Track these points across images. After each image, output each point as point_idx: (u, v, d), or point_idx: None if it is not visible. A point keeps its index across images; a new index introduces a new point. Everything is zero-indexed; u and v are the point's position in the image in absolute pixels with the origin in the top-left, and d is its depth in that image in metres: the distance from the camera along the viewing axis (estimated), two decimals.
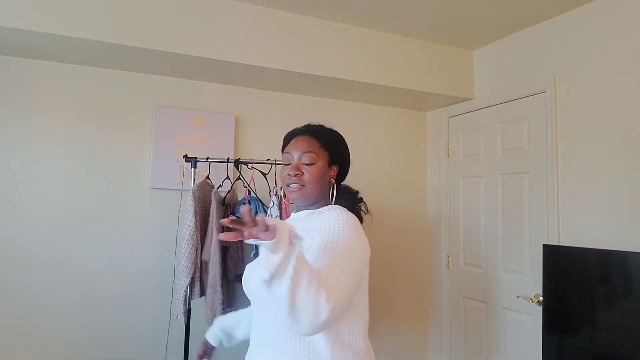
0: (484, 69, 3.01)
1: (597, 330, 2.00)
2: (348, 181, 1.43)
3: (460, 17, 2.58)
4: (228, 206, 2.51)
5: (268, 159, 2.54)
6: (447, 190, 3.24)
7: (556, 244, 2.39)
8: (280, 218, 2.34)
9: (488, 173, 2.92)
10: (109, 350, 2.44)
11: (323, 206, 1.33)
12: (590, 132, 2.31)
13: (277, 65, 2.50)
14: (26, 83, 2.37)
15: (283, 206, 2.43)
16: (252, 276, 1.29)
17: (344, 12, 2.55)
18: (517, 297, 2.59)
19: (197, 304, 2.46)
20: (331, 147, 1.36)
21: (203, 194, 2.40)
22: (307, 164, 1.30)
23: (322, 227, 1.19)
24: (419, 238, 3.38)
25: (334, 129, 1.42)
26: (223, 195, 2.50)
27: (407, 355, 3.28)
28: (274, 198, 2.46)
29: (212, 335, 1.57)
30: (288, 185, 1.31)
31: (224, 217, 2.45)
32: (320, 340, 1.18)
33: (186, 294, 2.28)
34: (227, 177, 2.52)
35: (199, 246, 2.32)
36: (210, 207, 2.36)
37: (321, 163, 1.32)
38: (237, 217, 2.42)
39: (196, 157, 2.50)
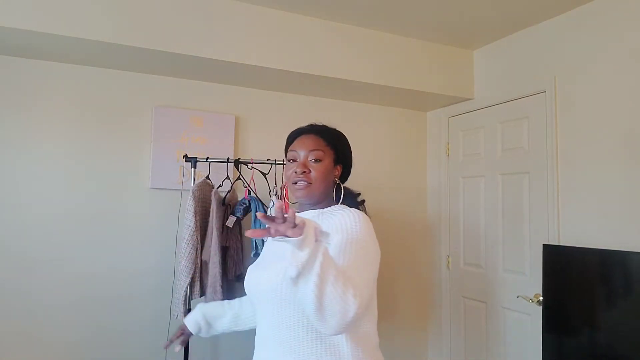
0: (484, 69, 3.01)
1: (597, 330, 2.00)
2: (348, 180, 1.43)
3: (460, 17, 2.57)
4: (228, 206, 2.51)
5: (268, 159, 2.54)
6: (447, 190, 3.24)
7: (556, 244, 2.39)
8: None
9: (488, 173, 2.92)
10: (109, 350, 2.44)
11: (328, 206, 1.33)
12: (590, 132, 2.31)
13: (277, 65, 2.50)
14: (26, 83, 2.37)
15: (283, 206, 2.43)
16: (264, 276, 1.25)
17: (344, 12, 2.55)
18: (517, 297, 2.59)
19: (197, 304, 2.45)
20: (336, 146, 1.36)
21: (203, 194, 2.40)
22: (313, 162, 1.29)
23: (339, 226, 1.19)
24: (419, 238, 3.38)
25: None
26: (223, 195, 2.50)
27: (407, 355, 3.28)
28: (273, 198, 2.46)
29: (193, 322, 1.50)
30: (295, 183, 1.30)
31: (224, 217, 2.47)
32: (341, 339, 1.17)
33: (186, 294, 2.28)
34: (227, 177, 2.52)
35: (199, 246, 2.32)
36: (210, 207, 2.36)
37: (327, 161, 1.32)
38: (238, 217, 2.44)
39: (196, 157, 2.50)
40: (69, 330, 2.37)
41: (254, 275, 1.32)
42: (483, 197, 2.95)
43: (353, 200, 1.39)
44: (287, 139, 1.40)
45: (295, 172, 1.29)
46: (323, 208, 1.32)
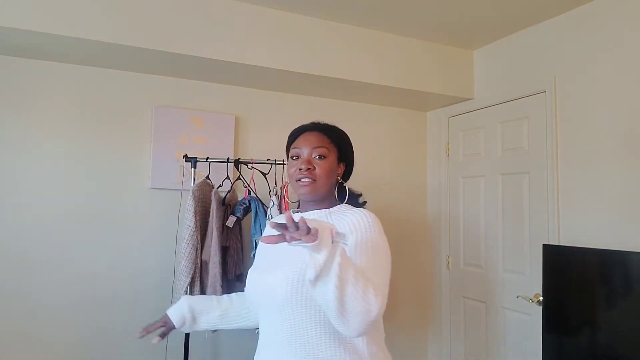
0: (484, 69, 3.01)
1: (597, 330, 2.00)
2: (349, 180, 1.43)
3: (460, 17, 2.57)
4: (228, 206, 2.51)
5: (268, 159, 2.54)
6: (447, 190, 3.24)
7: (556, 244, 2.39)
8: None
9: (488, 173, 2.92)
10: (109, 350, 2.44)
11: (332, 205, 1.31)
12: (590, 132, 2.31)
13: (277, 65, 2.50)
14: (26, 83, 2.37)
15: (283, 206, 2.43)
16: (276, 280, 1.19)
17: (343, 12, 2.55)
18: (517, 297, 2.59)
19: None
20: (340, 143, 1.35)
21: (203, 194, 2.40)
22: (318, 159, 1.28)
23: (352, 226, 1.18)
24: (419, 238, 3.38)
25: None
26: (223, 195, 2.50)
27: (407, 355, 3.28)
28: (273, 198, 2.46)
29: (178, 315, 1.38)
30: (298, 180, 1.27)
31: (224, 217, 2.47)
32: (358, 338, 1.16)
33: (186, 294, 2.27)
34: (227, 177, 2.52)
35: (199, 246, 2.32)
36: (210, 207, 2.36)
37: (332, 158, 1.30)
38: (238, 217, 2.44)
39: (196, 157, 2.50)
40: (69, 330, 2.37)
41: (260, 279, 1.27)
42: (483, 197, 2.95)
43: (355, 201, 1.37)
44: (289, 136, 1.38)
45: (300, 169, 1.26)
46: (327, 208, 1.30)
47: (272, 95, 2.95)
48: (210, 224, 2.36)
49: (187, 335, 2.42)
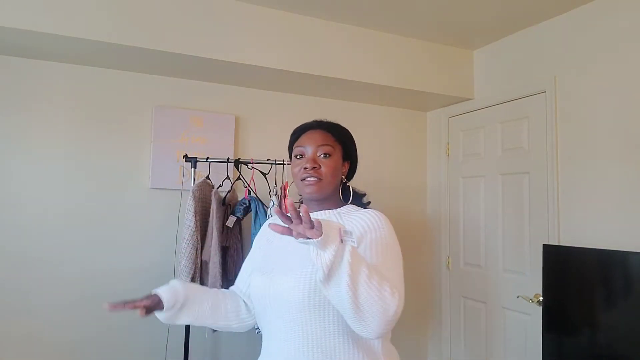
0: (484, 69, 3.01)
1: (597, 330, 2.00)
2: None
3: (460, 17, 2.57)
4: (228, 206, 2.51)
5: (268, 159, 2.54)
6: (447, 190, 3.24)
7: (556, 244, 2.39)
8: None
9: (488, 173, 2.92)
10: (109, 350, 2.44)
11: (336, 206, 1.28)
12: (590, 132, 2.31)
13: (277, 65, 2.50)
14: (26, 83, 2.37)
15: (283, 206, 2.43)
16: (289, 283, 1.14)
17: (344, 12, 2.55)
18: (517, 297, 2.59)
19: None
20: (344, 141, 1.32)
21: (203, 194, 2.40)
22: (323, 158, 1.24)
23: (364, 227, 1.16)
24: (419, 238, 3.38)
25: None
26: (223, 195, 2.50)
27: (407, 355, 3.27)
28: (273, 198, 2.46)
29: (171, 294, 1.20)
30: (304, 180, 1.23)
31: (224, 217, 2.47)
32: (374, 339, 1.14)
33: None
34: (227, 177, 2.52)
35: (199, 246, 2.32)
36: (210, 207, 2.36)
37: (337, 157, 1.27)
38: (238, 217, 2.43)
39: (196, 157, 2.50)
40: (69, 330, 2.37)
41: (271, 283, 1.19)
42: (483, 197, 2.95)
43: (359, 201, 1.34)
44: (292, 135, 1.34)
45: (305, 168, 1.22)
46: (333, 208, 1.27)
47: (272, 95, 2.95)
48: (210, 224, 2.36)
49: (187, 335, 2.42)
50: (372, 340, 1.14)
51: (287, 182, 2.55)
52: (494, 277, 2.83)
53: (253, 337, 2.31)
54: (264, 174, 2.54)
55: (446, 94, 2.99)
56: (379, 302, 0.95)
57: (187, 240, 2.27)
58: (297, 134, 1.33)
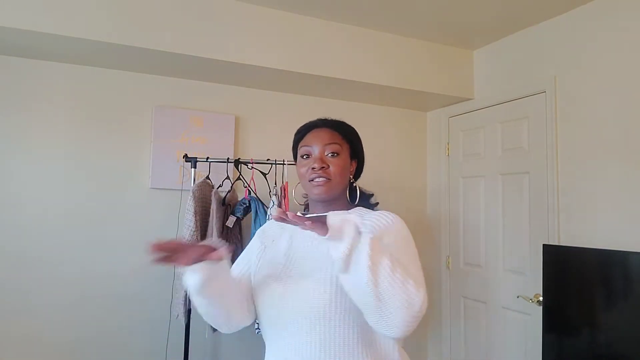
0: (484, 69, 3.01)
1: (597, 330, 2.00)
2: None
3: (460, 17, 2.57)
4: (228, 206, 2.51)
5: (268, 159, 2.54)
6: (447, 190, 3.24)
7: (556, 244, 2.39)
8: None
9: (488, 173, 2.92)
10: (109, 350, 2.44)
11: (346, 207, 1.22)
12: (590, 132, 2.31)
13: (277, 65, 2.50)
14: (26, 83, 2.37)
15: (283, 206, 2.44)
16: (312, 291, 1.08)
17: (344, 13, 2.55)
18: (517, 297, 2.59)
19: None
20: (352, 140, 1.27)
21: (203, 194, 2.40)
22: (331, 157, 1.18)
23: (382, 228, 1.11)
24: (419, 238, 3.35)
25: None
26: (223, 195, 2.50)
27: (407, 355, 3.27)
28: (273, 198, 2.46)
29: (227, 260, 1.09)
30: (312, 180, 1.17)
31: (224, 217, 2.47)
32: (389, 341, 1.10)
33: (186, 294, 2.27)
34: (227, 177, 2.52)
35: None
36: (210, 207, 2.36)
37: (345, 155, 1.22)
38: (238, 217, 2.43)
39: (196, 157, 2.50)
40: (68, 330, 2.37)
41: (288, 290, 1.11)
42: (483, 197, 2.95)
43: (367, 202, 1.28)
44: (296, 134, 1.29)
45: (313, 168, 1.16)
46: (340, 209, 1.21)
47: (272, 95, 2.95)
48: (210, 224, 2.36)
49: (187, 335, 2.42)
50: (388, 347, 1.10)
51: (287, 182, 2.55)
52: (494, 277, 2.83)
53: (253, 337, 2.30)
54: (264, 174, 2.54)
55: (446, 94, 2.99)
56: (403, 296, 0.89)
57: (187, 240, 2.27)
58: (301, 133, 1.27)
